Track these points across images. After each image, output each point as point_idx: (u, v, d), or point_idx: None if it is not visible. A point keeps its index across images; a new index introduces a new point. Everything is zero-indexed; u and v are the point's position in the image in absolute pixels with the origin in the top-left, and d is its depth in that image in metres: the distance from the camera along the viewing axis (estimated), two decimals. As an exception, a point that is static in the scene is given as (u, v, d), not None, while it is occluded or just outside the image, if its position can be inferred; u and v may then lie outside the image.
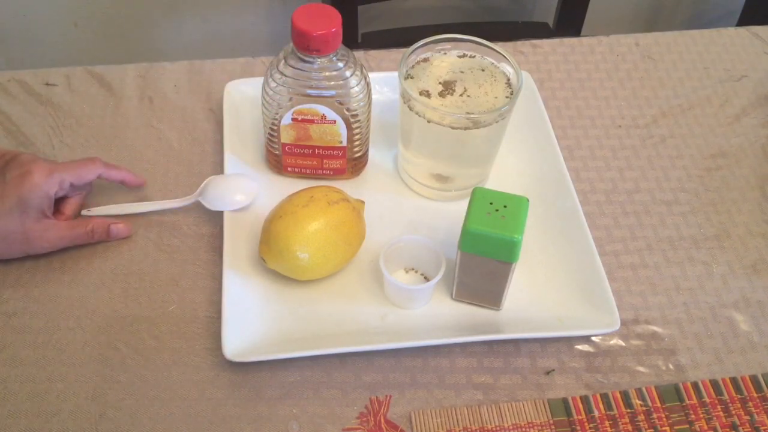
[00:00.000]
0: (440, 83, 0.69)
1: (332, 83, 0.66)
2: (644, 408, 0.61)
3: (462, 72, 0.70)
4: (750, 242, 0.73)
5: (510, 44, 0.89)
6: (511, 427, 0.60)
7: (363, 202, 0.69)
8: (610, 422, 0.60)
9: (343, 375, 0.62)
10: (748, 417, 0.61)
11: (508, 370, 0.63)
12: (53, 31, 1.46)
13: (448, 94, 0.68)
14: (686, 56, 0.91)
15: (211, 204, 0.70)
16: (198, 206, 0.71)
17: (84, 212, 0.70)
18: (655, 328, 0.66)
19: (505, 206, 0.60)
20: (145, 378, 0.61)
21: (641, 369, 0.64)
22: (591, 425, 0.60)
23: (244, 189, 0.71)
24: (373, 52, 0.88)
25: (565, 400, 0.61)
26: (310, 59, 0.65)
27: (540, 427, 0.60)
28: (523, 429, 0.60)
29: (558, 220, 0.71)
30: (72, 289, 0.66)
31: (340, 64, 0.66)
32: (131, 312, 0.65)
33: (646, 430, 0.60)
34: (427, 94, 0.67)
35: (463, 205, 0.62)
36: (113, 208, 0.71)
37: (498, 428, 0.60)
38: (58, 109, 0.80)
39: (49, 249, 0.66)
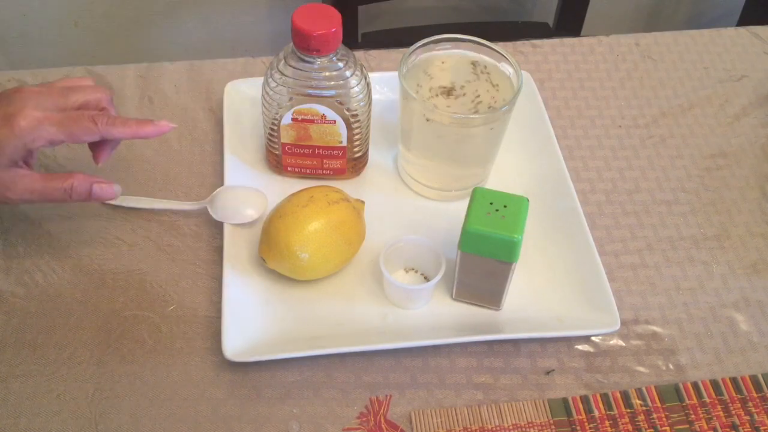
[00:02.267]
0: (440, 83, 0.68)
1: (332, 83, 0.66)
2: (644, 408, 0.61)
3: (462, 72, 0.70)
4: (750, 242, 0.73)
5: (510, 44, 0.89)
6: (511, 427, 0.60)
7: (363, 202, 0.69)
8: (610, 422, 0.60)
9: (343, 375, 0.62)
10: (748, 417, 0.61)
11: (508, 370, 0.63)
12: (53, 31, 1.46)
13: (447, 94, 0.68)
14: (686, 56, 0.91)
15: (218, 214, 0.69)
16: (201, 208, 0.71)
17: None
18: (655, 328, 0.66)
19: (505, 206, 0.60)
20: (145, 378, 0.61)
21: (641, 369, 0.64)
22: (591, 425, 0.60)
23: (255, 203, 0.70)
24: (373, 52, 0.88)
25: (565, 400, 0.61)
26: (310, 59, 0.65)
27: (540, 427, 0.60)
28: (523, 429, 0.60)
29: (558, 220, 0.71)
30: (72, 289, 0.66)
31: (340, 64, 0.66)
32: (131, 312, 0.65)
33: (646, 430, 0.60)
34: (434, 100, 0.67)
35: (463, 205, 0.62)
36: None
37: (498, 428, 0.60)
38: (58, 109, 0.80)
39: (16, 201, 0.60)
